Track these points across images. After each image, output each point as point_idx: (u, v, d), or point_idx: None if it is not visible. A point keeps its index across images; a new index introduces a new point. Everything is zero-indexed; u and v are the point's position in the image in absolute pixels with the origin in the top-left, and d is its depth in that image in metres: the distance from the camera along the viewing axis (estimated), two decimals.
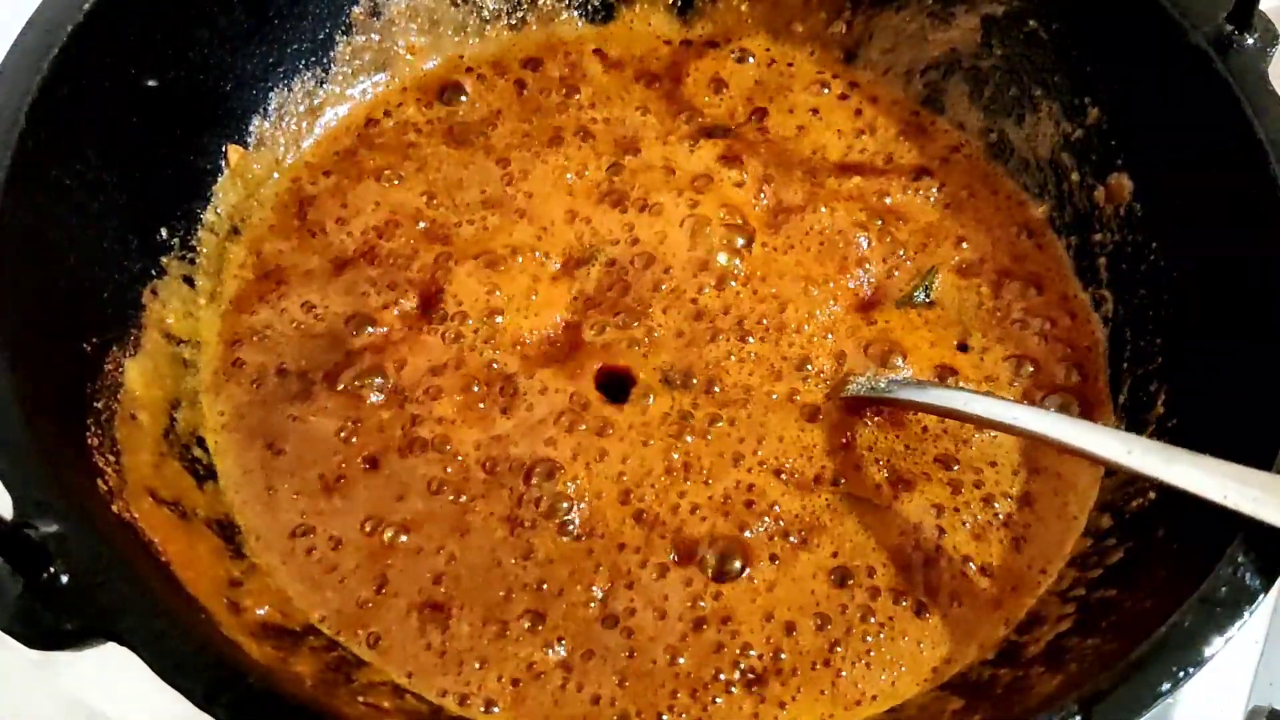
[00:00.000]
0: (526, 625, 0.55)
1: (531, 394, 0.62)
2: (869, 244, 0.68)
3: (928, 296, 0.67)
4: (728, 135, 0.74)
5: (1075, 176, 0.70)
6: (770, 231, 0.69)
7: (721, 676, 0.54)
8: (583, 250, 0.67)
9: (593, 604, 0.56)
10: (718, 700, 0.54)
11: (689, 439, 0.61)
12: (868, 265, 0.68)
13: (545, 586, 0.56)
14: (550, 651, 0.55)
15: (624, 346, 0.64)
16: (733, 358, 0.63)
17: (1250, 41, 0.60)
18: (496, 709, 0.53)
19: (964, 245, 0.69)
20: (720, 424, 0.61)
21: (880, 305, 0.67)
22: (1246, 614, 0.45)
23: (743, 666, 0.55)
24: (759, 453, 0.61)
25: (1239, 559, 0.46)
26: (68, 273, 0.57)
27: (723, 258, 0.67)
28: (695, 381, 0.62)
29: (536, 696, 0.54)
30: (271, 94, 0.71)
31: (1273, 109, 0.58)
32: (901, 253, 0.68)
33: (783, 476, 0.60)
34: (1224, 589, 0.46)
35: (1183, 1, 0.62)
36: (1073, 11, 0.69)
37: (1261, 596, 0.45)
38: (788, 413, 0.62)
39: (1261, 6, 0.60)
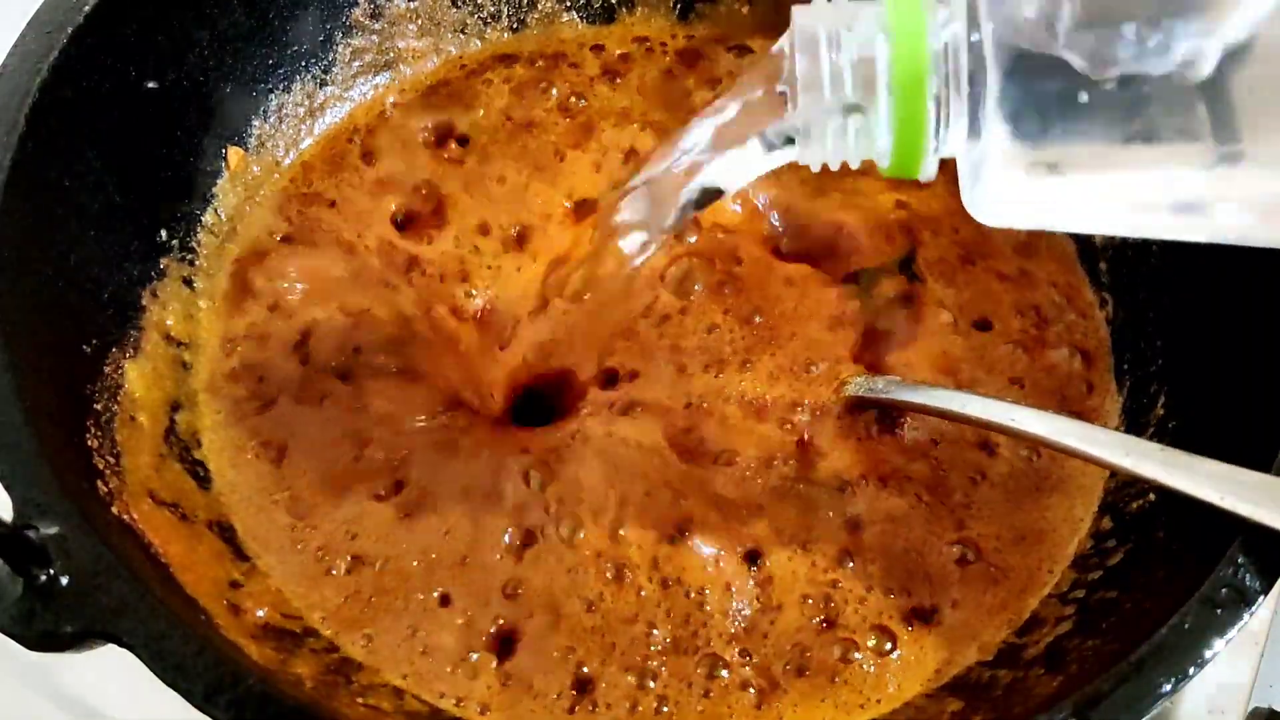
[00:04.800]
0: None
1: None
2: (868, 238, 0.68)
3: (910, 270, 0.67)
4: None
5: None
6: (771, 228, 0.69)
7: (720, 677, 0.54)
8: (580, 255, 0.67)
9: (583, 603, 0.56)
10: (710, 694, 0.54)
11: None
12: (860, 259, 0.68)
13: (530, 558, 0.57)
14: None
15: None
16: (744, 372, 0.63)
17: None
18: (490, 711, 0.54)
19: (962, 233, 0.69)
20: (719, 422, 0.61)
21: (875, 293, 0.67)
22: (1246, 615, 0.45)
23: (742, 673, 0.55)
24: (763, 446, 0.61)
25: (1239, 560, 0.46)
26: (68, 274, 0.57)
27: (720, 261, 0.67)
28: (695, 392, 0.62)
29: (528, 703, 0.54)
30: (272, 96, 0.71)
31: None
32: (894, 242, 0.68)
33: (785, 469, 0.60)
34: (1224, 590, 0.45)
35: None
36: None
37: (1262, 598, 0.45)
38: (794, 406, 0.62)
39: None
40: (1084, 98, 0.39)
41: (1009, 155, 0.41)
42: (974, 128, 0.41)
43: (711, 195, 0.48)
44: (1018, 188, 0.42)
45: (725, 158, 0.46)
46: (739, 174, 0.47)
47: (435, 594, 0.56)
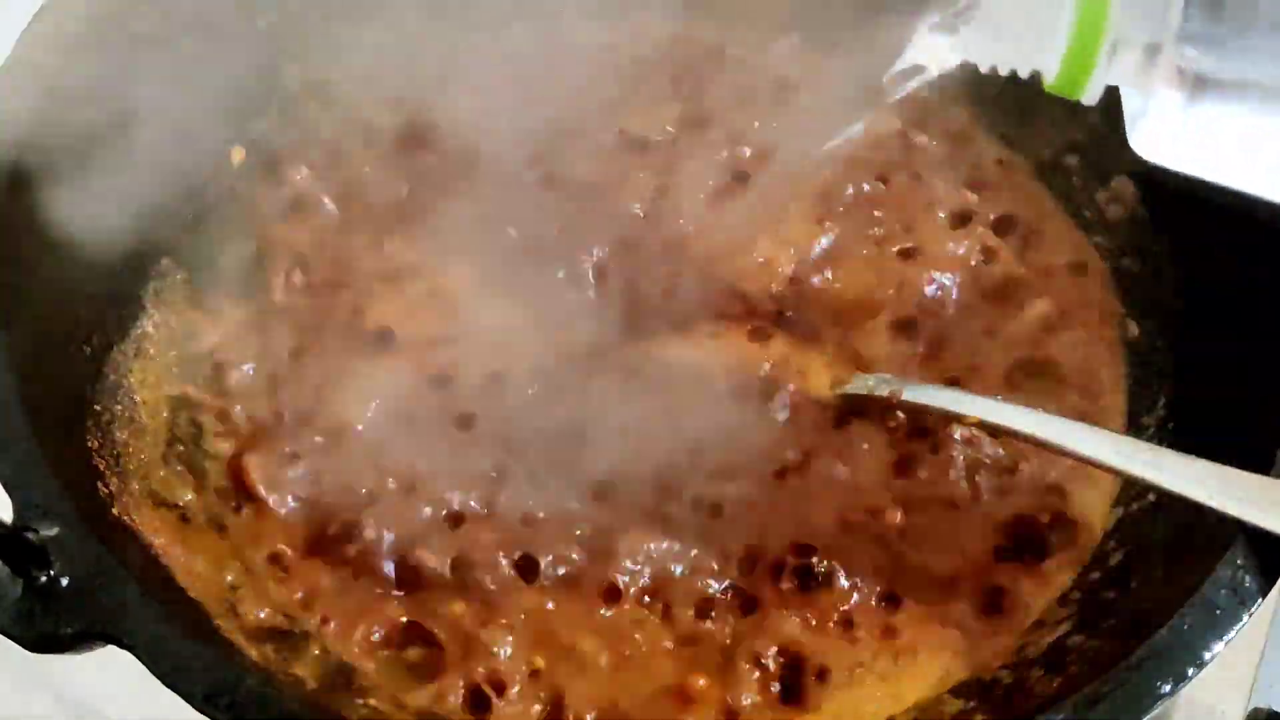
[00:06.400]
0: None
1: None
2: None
3: None
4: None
5: (1077, 180, 0.69)
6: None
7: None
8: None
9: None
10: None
11: None
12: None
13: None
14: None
15: None
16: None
17: None
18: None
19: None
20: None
21: None
22: (1246, 616, 0.45)
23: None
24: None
25: (1238, 561, 0.46)
26: (69, 275, 0.56)
27: None
28: None
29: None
30: (273, 94, 0.71)
31: None
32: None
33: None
34: (1223, 591, 0.45)
35: None
36: None
37: (1261, 599, 0.45)
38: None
39: None
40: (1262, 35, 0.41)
41: (1179, 87, 0.43)
42: (1151, 49, 0.42)
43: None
44: (1184, 121, 0.43)
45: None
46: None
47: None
